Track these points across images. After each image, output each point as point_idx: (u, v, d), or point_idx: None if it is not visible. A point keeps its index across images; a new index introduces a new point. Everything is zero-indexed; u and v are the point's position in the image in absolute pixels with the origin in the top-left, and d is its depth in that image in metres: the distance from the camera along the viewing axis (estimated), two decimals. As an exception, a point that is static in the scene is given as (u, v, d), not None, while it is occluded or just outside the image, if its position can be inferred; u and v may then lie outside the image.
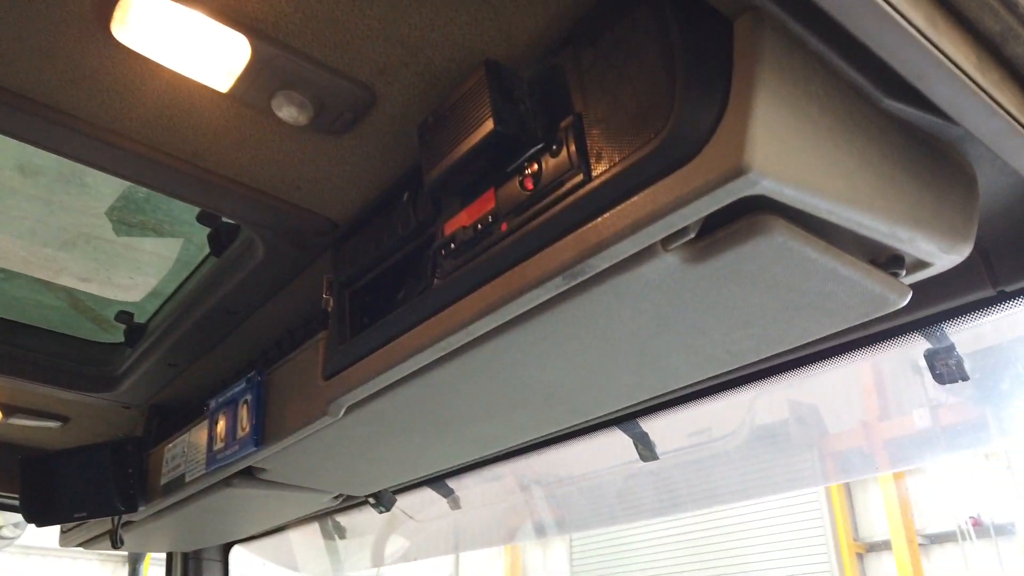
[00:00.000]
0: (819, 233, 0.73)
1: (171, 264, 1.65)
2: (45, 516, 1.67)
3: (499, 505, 2.28)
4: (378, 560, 2.72)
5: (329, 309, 1.16)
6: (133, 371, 1.70)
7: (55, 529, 2.35)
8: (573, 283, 0.77)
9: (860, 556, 8.84)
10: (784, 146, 0.63)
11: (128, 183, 1.50)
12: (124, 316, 1.69)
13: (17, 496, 2.11)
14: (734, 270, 0.75)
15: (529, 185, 0.80)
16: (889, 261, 0.79)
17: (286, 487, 1.53)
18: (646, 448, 1.68)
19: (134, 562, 2.66)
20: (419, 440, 1.26)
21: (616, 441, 1.76)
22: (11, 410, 1.86)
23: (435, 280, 0.94)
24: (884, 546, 8.81)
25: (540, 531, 2.21)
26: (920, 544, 8.59)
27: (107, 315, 1.75)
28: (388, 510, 1.71)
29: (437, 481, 1.89)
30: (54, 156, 1.41)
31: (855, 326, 1.07)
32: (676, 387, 1.06)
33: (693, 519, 9.64)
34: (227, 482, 1.46)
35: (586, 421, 1.38)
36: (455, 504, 2.20)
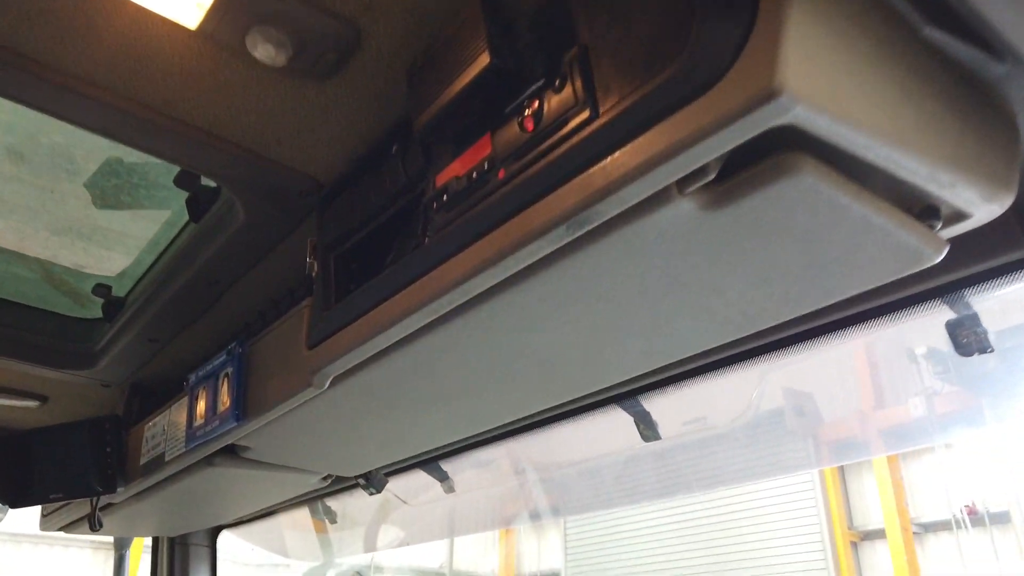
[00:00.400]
0: (851, 176, 0.65)
1: (151, 235, 1.58)
2: (20, 497, 1.60)
3: (494, 489, 2.21)
4: (371, 546, 2.66)
5: (313, 274, 1.09)
6: (112, 347, 1.62)
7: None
8: (578, 233, 0.70)
9: (854, 545, 8.84)
10: (820, 69, 0.56)
11: (108, 155, 1.45)
12: (101, 289, 1.62)
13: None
14: (756, 218, 0.68)
15: (529, 126, 0.72)
16: (923, 212, 0.72)
17: (272, 467, 1.46)
18: (647, 427, 1.61)
19: (120, 548, 2.58)
20: (410, 415, 1.19)
21: (615, 423, 1.70)
22: (-15, 388, 1.78)
23: (426, 238, 0.87)
24: (879, 535, 8.81)
25: (537, 515, 2.15)
26: (915, 533, 8.59)
27: (84, 289, 1.67)
28: (379, 491, 1.64)
29: (430, 463, 1.82)
30: (46, 140, 1.34)
31: (872, 293, 1.00)
32: (686, 355, 0.99)
33: (687, 510, 9.64)
34: (209, 461, 1.38)
35: (587, 396, 1.31)
36: (449, 488, 2.13)
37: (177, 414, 1.43)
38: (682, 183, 0.65)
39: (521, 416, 1.26)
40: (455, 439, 1.35)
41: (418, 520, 2.45)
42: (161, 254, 1.48)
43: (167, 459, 1.41)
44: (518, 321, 0.89)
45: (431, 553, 11.80)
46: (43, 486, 1.60)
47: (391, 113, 0.96)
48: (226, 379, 1.24)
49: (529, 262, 0.75)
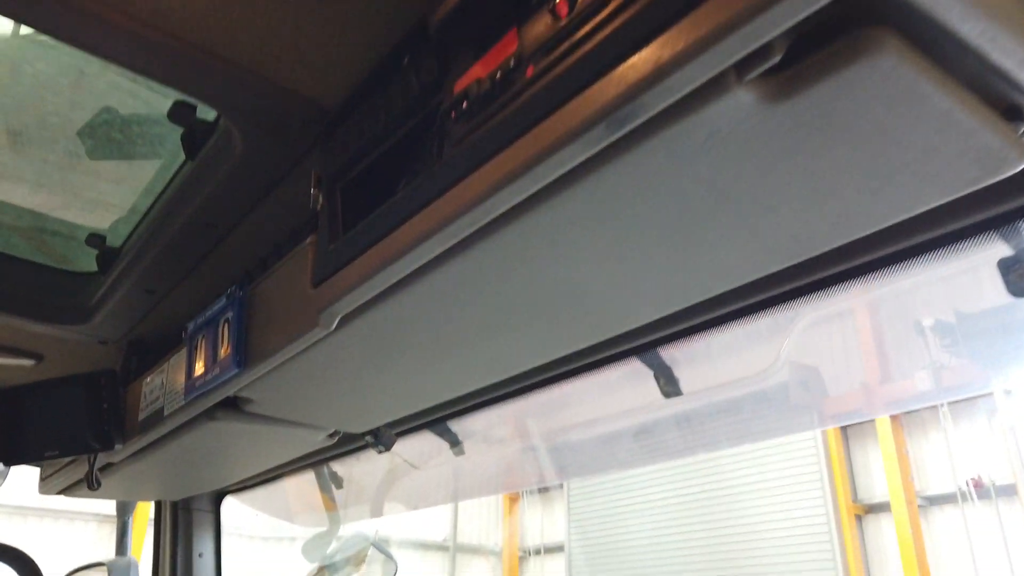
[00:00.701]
0: (935, 60, 0.57)
1: (146, 180, 1.50)
2: (12, 455, 1.54)
3: (505, 450, 2.16)
4: (377, 511, 2.61)
5: (319, 207, 1.01)
6: (108, 300, 1.55)
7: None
8: (618, 133, 0.62)
9: (859, 518, 8.86)
10: None
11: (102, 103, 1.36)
12: (95, 239, 1.54)
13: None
14: (823, 112, 0.60)
15: (563, 11, 0.64)
16: (1007, 112, 0.64)
17: (276, 422, 1.39)
18: (668, 382, 1.54)
19: (123, 515, 2.54)
20: (422, 362, 1.12)
21: (630, 380, 1.63)
22: (-24, 346, 1.72)
23: (442, 154, 0.79)
24: (883, 508, 8.82)
25: (553, 476, 2.09)
26: (920, 506, 8.59)
27: (77, 239, 1.60)
28: (388, 449, 1.58)
29: (440, 422, 1.76)
30: (29, 69, 1.26)
31: (920, 225, 0.92)
32: (725, 289, 0.91)
33: (690, 483, 9.66)
34: (210, 415, 1.32)
35: (609, 345, 1.24)
36: (460, 451, 2.07)
37: (176, 367, 1.36)
38: (742, 68, 0.57)
39: (541, 363, 1.19)
40: (468, 389, 1.28)
41: (427, 484, 2.40)
42: (156, 199, 1.40)
43: (166, 414, 1.35)
44: (543, 247, 0.81)
45: (434, 526, 11.86)
46: (38, 444, 1.54)
47: (402, 21, 0.88)
48: (226, 325, 1.17)
49: (561, 172, 0.67)
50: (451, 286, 0.90)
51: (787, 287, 1.08)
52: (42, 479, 2.04)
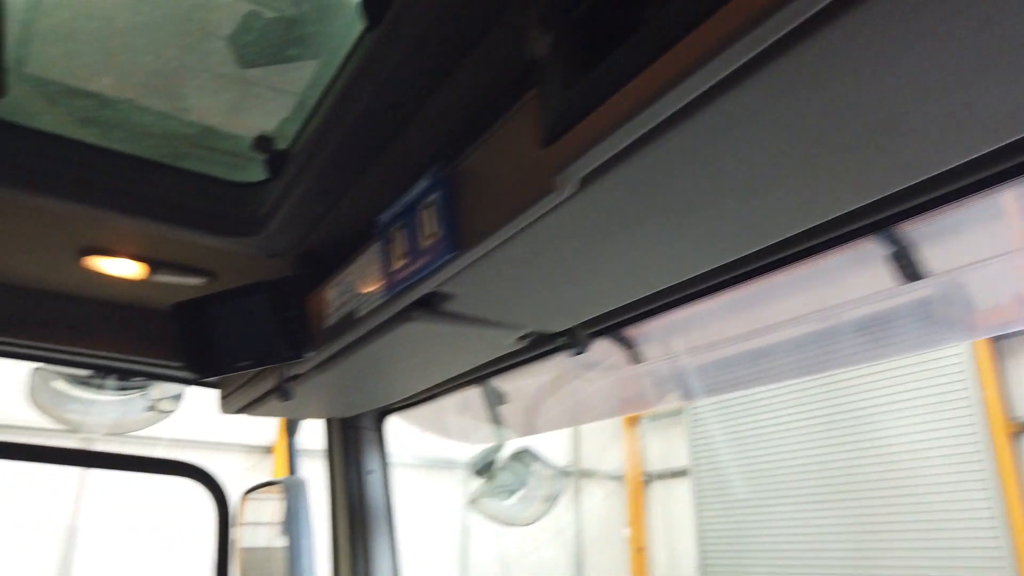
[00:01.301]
0: None
1: (311, 72, 1.40)
2: (205, 367, 1.53)
3: (679, 359, 2.00)
4: (532, 428, 2.55)
5: (541, 53, 0.85)
6: (280, 207, 1.48)
7: (204, 421, 2.30)
8: None
9: (1015, 436, 8.23)
10: None
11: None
12: (263, 142, 1.46)
13: (170, 365, 2.02)
14: None
15: None
16: None
17: (471, 322, 1.28)
18: (909, 264, 1.33)
19: (290, 434, 2.60)
20: (659, 234, 0.96)
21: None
22: (156, 264, 1.71)
23: None
24: (1043, 425, 8.14)
25: (731, 387, 1.93)
26: (1088, 422, 7.87)
27: (242, 147, 1.53)
28: (583, 351, 1.45)
29: (622, 327, 1.62)
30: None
31: None
32: None
33: (819, 404, 9.26)
34: (406, 315, 1.22)
35: (862, 211, 1.03)
36: (636, 357, 1.94)
37: (365, 267, 1.27)
38: None
39: (787, 235, 1.00)
40: (693, 272, 1.11)
41: (589, 397, 2.30)
42: (329, 86, 1.29)
43: (359, 315, 1.27)
44: (859, 59, 0.62)
45: (553, 451, 12.06)
46: (228, 355, 1.52)
47: None
48: (428, 210, 1.05)
49: None
50: (725, 126, 0.73)
51: None
52: (223, 397, 2.08)
